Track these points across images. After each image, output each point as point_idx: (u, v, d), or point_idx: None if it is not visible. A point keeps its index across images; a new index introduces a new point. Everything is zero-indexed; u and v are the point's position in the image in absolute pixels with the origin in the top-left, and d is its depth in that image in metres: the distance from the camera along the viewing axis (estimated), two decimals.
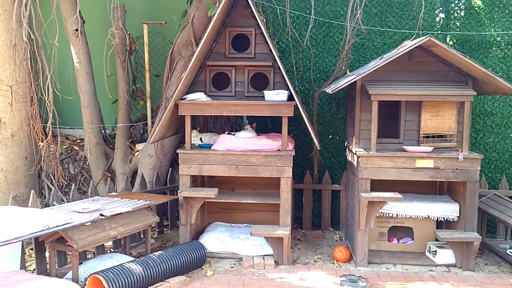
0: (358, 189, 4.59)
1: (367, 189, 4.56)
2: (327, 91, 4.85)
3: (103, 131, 6.41)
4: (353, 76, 4.61)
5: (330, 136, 5.90)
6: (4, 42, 4.63)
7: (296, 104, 4.62)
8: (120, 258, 4.25)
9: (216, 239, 4.94)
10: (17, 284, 3.64)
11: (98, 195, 4.97)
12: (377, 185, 4.65)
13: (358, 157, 4.60)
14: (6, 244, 3.35)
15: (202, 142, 5.23)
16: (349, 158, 5.23)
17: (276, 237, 4.65)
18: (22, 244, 4.10)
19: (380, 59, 4.69)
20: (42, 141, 4.83)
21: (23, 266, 4.13)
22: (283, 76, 4.75)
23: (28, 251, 4.74)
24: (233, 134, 5.06)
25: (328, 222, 5.85)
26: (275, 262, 4.66)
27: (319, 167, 5.85)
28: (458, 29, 5.72)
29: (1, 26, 4.61)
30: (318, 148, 4.89)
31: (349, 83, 4.52)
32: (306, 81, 5.90)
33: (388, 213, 4.78)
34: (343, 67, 5.70)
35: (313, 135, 4.65)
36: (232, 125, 6.16)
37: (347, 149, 5.42)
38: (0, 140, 4.88)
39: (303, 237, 5.55)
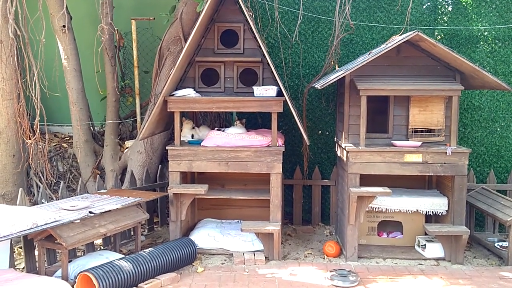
0: (347, 184, 4.61)
1: (356, 184, 4.58)
2: (316, 86, 4.86)
3: (92, 128, 6.37)
4: (342, 71, 4.62)
5: (320, 132, 5.91)
6: None
7: (286, 100, 4.62)
8: (110, 256, 4.23)
9: (206, 236, 4.94)
10: (6, 283, 3.60)
11: (88, 192, 4.94)
12: (366, 180, 4.67)
13: (347, 152, 4.61)
14: None
15: (192, 138, 5.21)
16: (339, 153, 5.25)
17: (267, 232, 4.66)
18: (11, 243, 4.06)
19: (369, 54, 4.70)
20: (30, 139, 4.79)
21: (12, 265, 4.09)
22: (272, 72, 4.74)
23: (17, 249, 4.70)
24: (223, 130, 5.05)
25: (318, 217, 5.87)
26: (265, 257, 4.67)
27: (309, 162, 5.86)
28: (445, 24, 5.75)
29: None
30: (308, 144, 4.90)
31: (338, 78, 4.53)
32: (295, 77, 5.90)
33: (378, 208, 4.81)
34: (332, 63, 5.71)
35: (302, 130, 4.65)
36: (222, 121, 6.15)
37: (336, 144, 5.44)
38: None
39: (294, 232, 5.57)
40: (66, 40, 5.68)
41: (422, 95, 4.60)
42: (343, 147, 4.75)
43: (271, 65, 4.67)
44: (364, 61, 4.49)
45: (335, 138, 5.52)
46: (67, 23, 5.63)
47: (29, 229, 3.58)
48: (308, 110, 5.87)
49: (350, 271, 4.29)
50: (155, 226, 5.68)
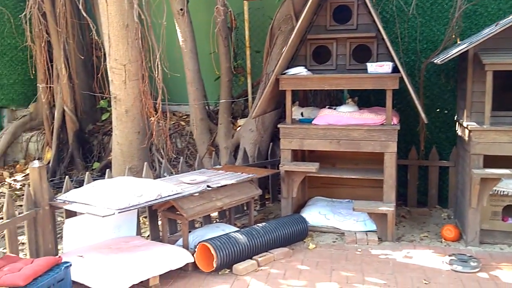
0: (469, 165, 4.33)
1: (479, 165, 4.28)
2: (435, 61, 4.59)
3: (207, 107, 6.64)
4: (464, 45, 4.31)
5: (438, 110, 5.59)
6: (117, 23, 4.92)
7: (402, 76, 4.44)
8: (226, 228, 4.43)
9: (317, 214, 4.96)
10: (135, 248, 3.94)
11: (204, 168, 5.19)
12: (490, 161, 4.34)
13: (469, 131, 4.32)
14: (125, 211, 3.63)
15: (302, 116, 5.23)
16: (459, 132, 4.94)
17: (380, 213, 4.55)
18: (138, 212, 4.41)
19: (496, 25, 4.32)
20: (153, 117, 5.12)
21: (138, 233, 4.46)
22: (387, 47, 4.57)
23: (142, 219, 5.09)
24: (334, 109, 4.99)
25: (435, 199, 5.59)
26: (378, 238, 4.58)
27: (426, 142, 5.59)
28: None
29: (114, 8, 4.89)
30: (426, 122, 4.66)
31: (460, 52, 4.23)
32: (412, 52, 5.62)
33: (503, 191, 4.45)
34: (453, 36, 5.34)
35: (419, 108, 4.44)
36: (332, 99, 6.07)
37: (457, 123, 5.12)
38: (115, 116, 5.25)
39: (408, 214, 5.37)
40: (184, 23, 5.95)
41: None
42: (465, 126, 4.45)
43: (386, 40, 4.50)
44: (491, 33, 4.13)
45: (456, 117, 5.19)
46: (184, 7, 5.88)
47: (154, 200, 3.86)
48: (425, 87, 5.57)
49: (471, 256, 4.05)
50: (266, 202, 5.82)
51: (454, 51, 4.27)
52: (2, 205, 5.31)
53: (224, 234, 4.11)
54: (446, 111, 5.56)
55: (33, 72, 7.19)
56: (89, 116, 7.39)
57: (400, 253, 4.31)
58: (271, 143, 5.94)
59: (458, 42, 5.19)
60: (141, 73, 5.12)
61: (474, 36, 4.76)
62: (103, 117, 7.30)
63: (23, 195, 5.66)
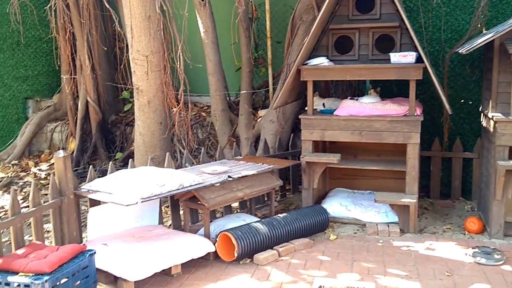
0: (494, 157, 4.26)
1: (504, 157, 4.21)
2: (460, 51, 4.52)
3: (227, 98, 6.65)
4: (490, 34, 4.22)
5: (462, 101, 5.49)
6: (140, 14, 4.95)
7: (426, 67, 4.37)
8: (247, 218, 4.45)
9: (338, 205, 4.94)
10: (157, 237, 3.99)
11: (225, 158, 5.21)
12: None
13: (495, 122, 4.25)
14: (147, 200, 3.67)
15: (324, 107, 5.20)
16: (484, 123, 4.85)
17: (402, 205, 4.51)
18: (160, 202, 4.46)
19: None
20: (175, 107, 5.15)
21: (160, 222, 4.51)
22: (411, 37, 4.50)
23: (164, 208, 5.15)
24: (356, 99, 4.95)
25: (458, 191, 5.51)
26: (400, 230, 4.54)
27: (449, 133, 5.50)
28: None
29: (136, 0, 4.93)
30: (450, 113, 4.59)
31: (486, 42, 4.15)
32: (436, 42, 5.52)
33: None
34: (478, 25, 5.23)
35: (444, 99, 4.38)
36: (354, 90, 6.02)
37: (482, 114, 5.03)
38: (138, 107, 5.30)
39: (430, 206, 5.32)
40: (205, 14, 5.96)
41: None
42: (490, 117, 4.37)
43: (410, 30, 4.43)
44: None
45: (481, 107, 5.10)
46: None
47: (176, 189, 3.89)
48: (449, 77, 5.48)
49: (494, 249, 4.00)
50: (287, 193, 5.82)
51: (480, 41, 4.19)
52: (28, 194, 5.44)
53: (245, 224, 4.13)
54: (470, 102, 5.46)
55: (58, 64, 7.30)
56: (112, 107, 7.49)
57: (422, 245, 4.27)
58: (292, 134, 5.93)
59: (484, 32, 5.08)
60: (163, 64, 5.15)
61: (500, 25, 4.66)
62: (126, 108, 7.38)
63: (48, 184, 5.78)
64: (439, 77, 5.34)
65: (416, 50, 4.53)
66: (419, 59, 4.50)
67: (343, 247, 4.28)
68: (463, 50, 4.40)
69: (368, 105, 4.74)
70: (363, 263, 3.95)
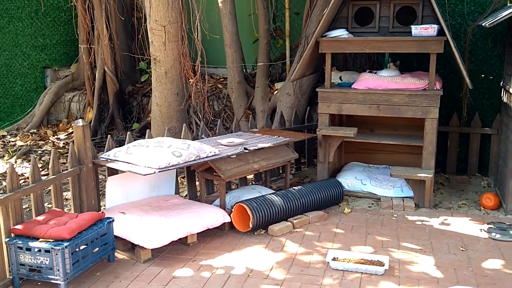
0: None
1: None
2: (483, 25, 4.40)
3: (244, 70, 6.62)
4: None
5: (483, 75, 5.39)
6: None
7: (447, 40, 4.28)
8: (262, 190, 4.48)
9: (353, 178, 4.94)
10: (174, 206, 4.05)
11: (241, 130, 5.22)
12: None
13: None
14: (164, 170, 3.71)
15: (341, 80, 5.15)
16: (505, 99, 4.77)
17: (418, 179, 4.50)
18: (176, 172, 4.51)
19: None
20: (192, 79, 5.14)
21: (176, 192, 4.57)
22: (433, 9, 4.40)
23: (180, 179, 5.20)
24: (375, 73, 4.89)
25: (475, 167, 5.47)
26: (415, 204, 4.55)
27: (468, 109, 5.42)
28: None
29: None
30: (470, 88, 4.51)
31: (510, 15, 4.04)
32: (458, 15, 5.39)
33: None
34: None
35: (464, 73, 4.30)
36: (373, 63, 5.94)
37: (502, 89, 4.94)
38: (155, 77, 5.31)
39: (446, 181, 5.29)
40: None
41: None
42: (511, 93, 4.30)
43: (432, 1, 4.33)
44: None
45: (502, 83, 5.00)
46: None
47: (193, 160, 3.92)
48: (470, 51, 5.37)
49: (510, 224, 3.99)
50: (302, 166, 5.83)
51: (504, 14, 4.08)
52: (47, 162, 5.53)
53: (260, 196, 4.17)
54: (491, 77, 5.36)
55: (76, 33, 7.31)
56: (129, 78, 7.50)
57: (437, 219, 4.28)
58: (308, 107, 5.90)
59: (508, 5, 4.94)
60: (180, 35, 5.12)
61: None
62: (143, 79, 7.40)
63: (66, 153, 5.87)
64: (460, 51, 5.24)
65: (438, 22, 4.44)
66: (440, 32, 4.41)
67: (358, 220, 4.31)
68: (486, 23, 4.29)
69: (387, 79, 4.68)
70: (377, 236, 3.98)
